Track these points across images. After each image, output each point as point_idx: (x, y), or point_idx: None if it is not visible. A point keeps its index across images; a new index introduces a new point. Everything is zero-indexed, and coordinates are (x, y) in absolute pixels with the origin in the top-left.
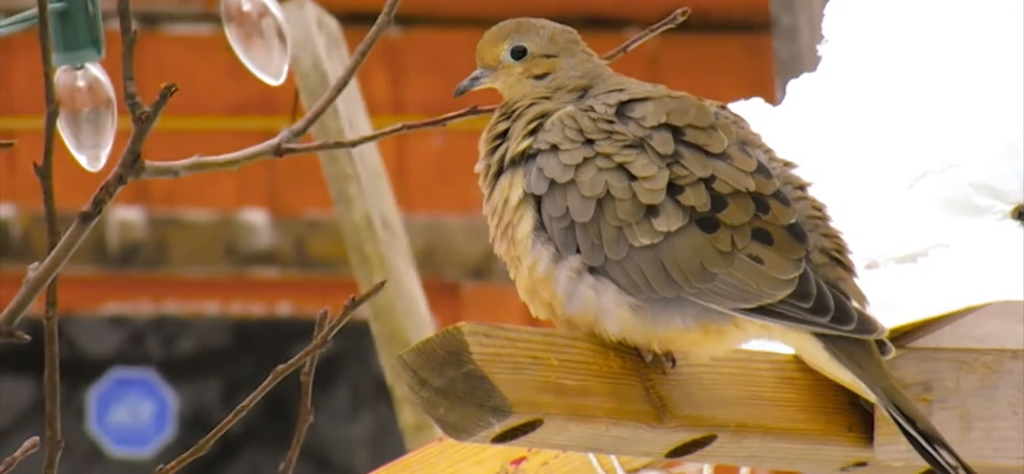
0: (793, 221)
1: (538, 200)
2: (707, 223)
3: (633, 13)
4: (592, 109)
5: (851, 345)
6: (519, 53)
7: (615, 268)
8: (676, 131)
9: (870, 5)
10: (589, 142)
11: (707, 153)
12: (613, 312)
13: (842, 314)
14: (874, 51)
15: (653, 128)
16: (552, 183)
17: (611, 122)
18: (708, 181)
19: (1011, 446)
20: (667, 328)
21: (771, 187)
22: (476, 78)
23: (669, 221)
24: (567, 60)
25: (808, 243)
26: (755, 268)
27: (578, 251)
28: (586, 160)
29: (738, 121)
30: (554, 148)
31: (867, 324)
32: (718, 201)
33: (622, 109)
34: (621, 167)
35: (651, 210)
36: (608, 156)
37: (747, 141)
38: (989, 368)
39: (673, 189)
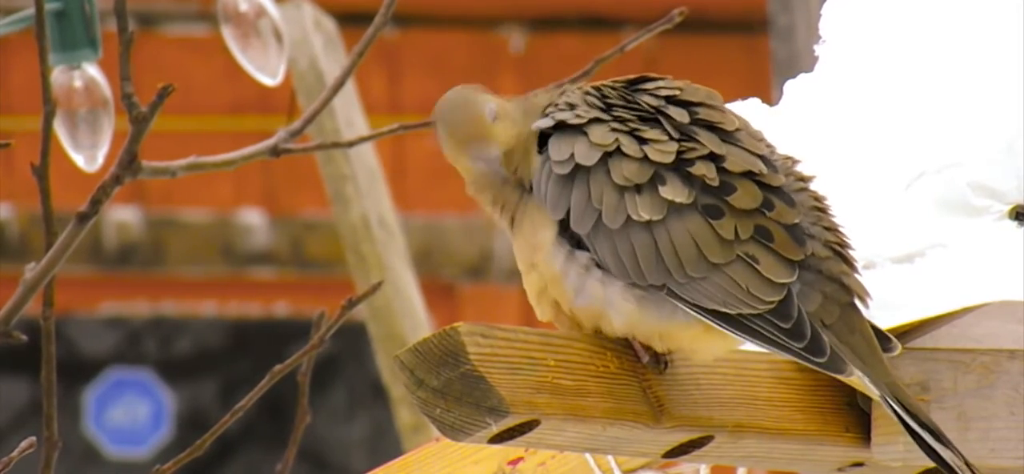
0: (796, 222)
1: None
2: (712, 210)
3: (630, 13)
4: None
5: (855, 340)
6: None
7: (604, 240)
8: (690, 107)
9: (867, 5)
10: (607, 108)
11: (721, 132)
12: (619, 305)
13: (816, 346)
14: (871, 51)
15: (666, 100)
16: (561, 124)
17: (625, 95)
18: (718, 159)
19: (1009, 446)
20: (670, 322)
21: (777, 181)
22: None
23: (675, 191)
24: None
25: (806, 249)
26: (750, 268)
27: (567, 217)
28: (600, 121)
29: (742, 118)
30: (570, 106)
31: (837, 364)
32: (726, 184)
33: (635, 83)
34: (633, 132)
35: (659, 176)
36: (623, 121)
37: (753, 134)
38: (987, 368)
39: (683, 162)
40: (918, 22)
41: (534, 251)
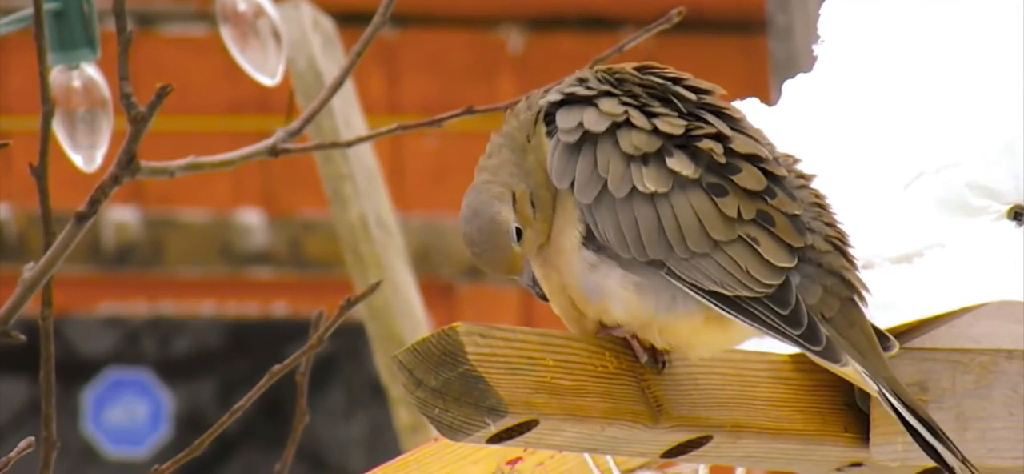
0: (796, 213)
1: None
2: (717, 188)
3: (629, 13)
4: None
5: (854, 335)
6: (518, 234)
7: (607, 211)
8: (697, 92)
9: (866, 5)
10: (618, 83)
11: (727, 118)
12: (618, 294)
13: (812, 334)
14: (870, 51)
15: (673, 82)
16: (570, 97)
17: (637, 75)
18: (725, 140)
19: (1007, 446)
20: (669, 311)
21: (780, 171)
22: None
23: (682, 165)
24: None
25: (806, 238)
26: (750, 249)
27: (572, 184)
28: (610, 94)
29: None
30: (581, 80)
31: (833, 353)
32: (732, 164)
33: (641, 70)
34: (643, 107)
35: (666, 148)
36: (634, 95)
37: (755, 129)
38: (985, 368)
39: (690, 138)
40: (917, 22)
41: (558, 255)
